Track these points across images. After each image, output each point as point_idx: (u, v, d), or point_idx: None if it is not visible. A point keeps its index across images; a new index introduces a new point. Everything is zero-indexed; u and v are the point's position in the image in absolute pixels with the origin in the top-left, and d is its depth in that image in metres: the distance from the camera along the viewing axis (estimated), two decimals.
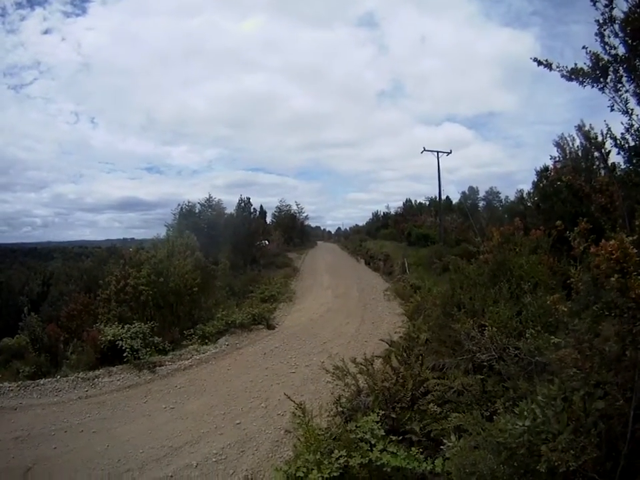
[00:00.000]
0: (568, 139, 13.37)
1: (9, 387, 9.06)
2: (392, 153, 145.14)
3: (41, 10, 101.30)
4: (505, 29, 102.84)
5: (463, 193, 35.67)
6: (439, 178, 28.01)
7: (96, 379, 9.35)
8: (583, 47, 5.10)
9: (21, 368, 10.55)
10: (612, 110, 5.19)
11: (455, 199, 38.56)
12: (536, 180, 14.50)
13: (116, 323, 11.21)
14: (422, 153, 28.10)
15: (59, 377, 9.57)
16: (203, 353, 10.99)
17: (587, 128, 10.33)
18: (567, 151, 13.28)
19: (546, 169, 13.82)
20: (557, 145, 13.61)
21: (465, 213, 29.33)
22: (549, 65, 5.17)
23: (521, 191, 21.04)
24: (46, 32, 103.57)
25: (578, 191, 7.85)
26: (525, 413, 2.47)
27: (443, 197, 31.04)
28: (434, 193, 32.89)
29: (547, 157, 14.10)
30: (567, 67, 5.13)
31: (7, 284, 25.20)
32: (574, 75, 5.12)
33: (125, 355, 9.89)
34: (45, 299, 22.43)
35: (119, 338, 10.25)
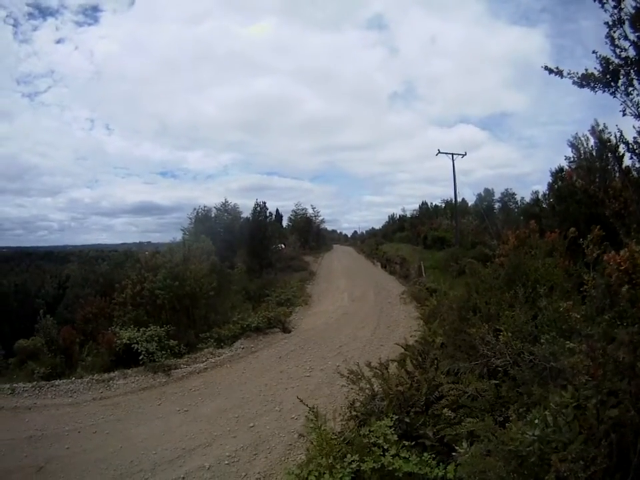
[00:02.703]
0: (582, 139, 13.22)
1: (24, 387, 9.26)
2: (406, 156, 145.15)
3: (53, 20, 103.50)
4: (514, 28, 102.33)
5: (479, 195, 35.31)
6: (454, 180, 27.85)
7: (111, 381, 9.50)
8: (593, 52, 5.06)
9: (36, 369, 10.74)
10: (624, 114, 5.13)
11: (471, 201, 38.32)
12: (551, 181, 14.41)
13: (131, 326, 11.35)
14: (437, 155, 28.01)
15: (73, 378, 9.76)
16: (218, 356, 11.06)
17: (600, 128, 10.25)
18: (582, 151, 13.12)
19: (561, 169, 13.71)
20: (572, 145, 13.45)
21: (481, 215, 29.13)
22: (559, 73, 5.13)
23: (536, 193, 20.89)
24: (59, 41, 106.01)
25: (592, 196, 7.76)
26: (536, 421, 2.44)
27: (459, 199, 30.84)
28: (449, 195, 32.75)
29: (561, 157, 13.96)
30: (577, 73, 5.08)
31: (23, 286, 25.59)
32: (585, 81, 5.07)
33: (140, 357, 10.01)
34: (61, 301, 22.75)
35: (135, 341, 10.38)
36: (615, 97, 5.10)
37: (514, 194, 32.52)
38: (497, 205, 33.31)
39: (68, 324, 14.81)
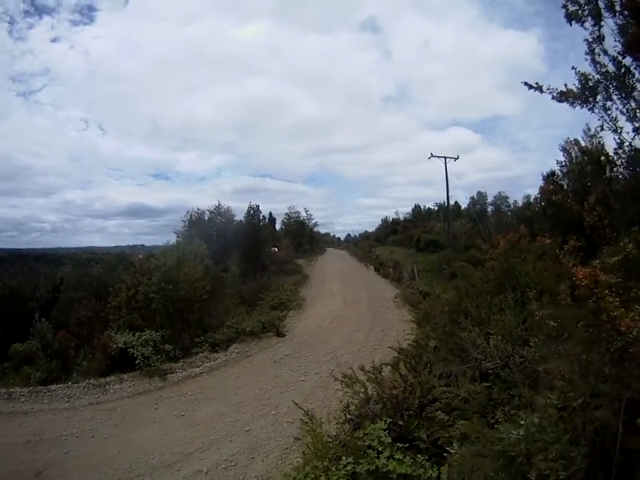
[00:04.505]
0: (573, 142, 13.42)
1: (21, 391, 9.32)
2: (399, 158, 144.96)
3: (49, 19, 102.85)
4: (507, 31, 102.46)
5: (472, 198, 35.59)
6: (446, 183, 27.96)
7: (107, 386, 9.56)
8: (572, 68, 5.21)
9: (31, 373, 10.79)
10: (602, 129, 5.31)
11: (464, 204, 38.53)
12: (542, 185, 14.58)
13: (127, 330, 11.38)
14: (429, 158, 28.07)
15: (70, 382, 9.82)
16: (213, 361, 11.13)
17: (592, 133, 10.41)
18: (573, 155, 13.31)
19: (552, 173, 13.90)
20: (563, 149, 13.65)
21: (474, 218, 29.28)
22: (539, 88, 5.28)
23: (528, 197, 21.09)
24: (54, 40, 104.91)
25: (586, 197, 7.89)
26: (522, 422, 2.56)
27: (452, 202, 31.04)
28: (442, 198, 32.76)
29: (553, 161, 14.15)
30: (556, 89, 5.23)
31: (18, 289, 25.35)
32: (564, 97, 5.21)
33: (136, 362, 10.05)
34: (55, 305, 22.54)
35: (130, 345, 10.43)
36: (592, 112, 5.26)
37: (507, 197, 32.85)
38: (489, 208, 33.55)
39: (62, 328, 14.80)
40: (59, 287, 25.44)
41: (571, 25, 5.18)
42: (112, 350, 10.59)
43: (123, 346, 10.49)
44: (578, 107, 5.23)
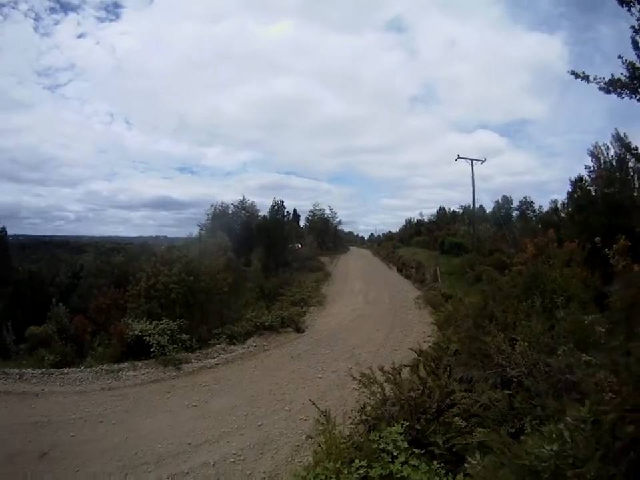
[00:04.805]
0: (602, 148, 13.09)
1: (33, 373, 9.38)
2: (425, 160, 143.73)
3: (74, 15, 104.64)
4: (533, 33, 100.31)
5: (497, 202, 34.88)
6: (472, 186, 27.62)
7: (120, 372, 9.56)
8: (619, 57, 4.90)
9: (45, 356, 10.88)
10: None
11: (489, 207, 37.81)
12: (570, 190, 14.27)
13: (144, 318, 11.39)
14: (456, 160, 27.79)
15: (83, 367, 9.87)
16: (230, 353, 11.08)
17: (622, 137, 10.07)
18: (602, 161, 12.99)
19: (580, 179, 13.57)
20: (592, 154, 13.33)
21: (499, 222, 28.84)
22: (586, 77, 5.01)
23: (555, 202, 20.67)
24: (80, 36, 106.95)
25: (614, 204, 7.62)
26: (554, 436, 2.37)
27: (477, 206, 30.58)
28: (467, 200, 32.47)
29: (580, 166, 13.86)
30: (604, 79, 4.95)
31: (38, 274, 25.78)
32: (612, 86, 4.93)
33: (151, 350, 10.06)
34: (75, 291, 22.86)
35: (147, 333, 10.43)
36: None
37: (532, 202, 32.09)
38: (514, 213, 32.90)
39: (80, 313, 14.99)
40: (79, 274, 25.78)
41: (622, 6, 4.89)
42: (128, 337, 10.61)
43: (139, 333, 10.48)
44: (626, 98, 4.95)
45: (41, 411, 7.80)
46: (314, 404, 5.04)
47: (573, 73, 5.09)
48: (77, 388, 8.92)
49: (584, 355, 3.76)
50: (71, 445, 6.59)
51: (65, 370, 9.64)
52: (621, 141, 12.01)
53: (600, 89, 4.98)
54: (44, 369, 9.65)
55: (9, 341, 14.31)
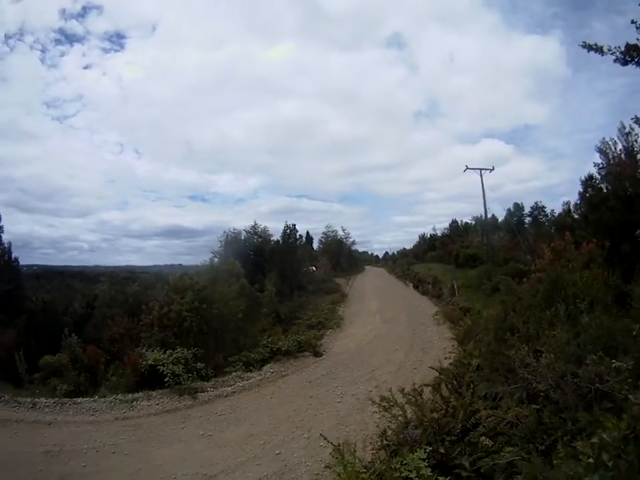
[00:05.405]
0: (610, 143, 12.88)
1: (46, 402, 9.30)
2: (433, 174, 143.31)
3: (79, 46, 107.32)
4: (529, 37, 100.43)
5: (508, 210, 34.60)
6: (483, 196, 27.36)
7: (134, 402, 9.44)
8: (632, 22, 4.61)
9: (59, 385, 10.87)
10: None
11: (501, 216, 37.53)
12: (582, 190, 14.08)
13: (158, 347, 11.26)
14: (465, 171, 27.59)
15: (96, 396, 9.77)
16: (246, 380, 10.90)
17: (627, 131, 9.85)
18: (610, 156, 12.77)
19: (591, 177, 13.40)
20: (600, 150, 13.14)
21: (512, 230, 28.56)
22: (600, 49, 4.73)
23: (567, 203, 20.42)
24: (86, 67, 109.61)
25: (626, 199, 7.38)
26: (590, 460, 2.09)
27: (489, 215, 30.29)
28: (478, 211, 32.24)
29: (588, 166, 13.71)
30: (619, 48, 4.67)
31: (52, 304, 25.86)
32: (629, 55, 4.64)
33: (166, 379, 9.91)
34: (89, 320, 22.95)
35: (161, 363, 10.30)
36: None
37: (544, 207, 31.78)
38: (527, 220, 32.61)
39: (94, 343, 14.97)
40: (93, 304, 25.90)
41: None
42: (141, 367, 10.50)
43: (153, 363, 10.36)
44: (626, 84, 4.69)
45: (52, 440, 7.68)
46: (325, 439, 4.86)
47: (584, 45, 4.83)
48: (90, 418, 8.81)
49: (613, 360, 3.54)
50: (82, 475, 6.46)
51: (78, 399, 9.56)
52: (628, 139, 11.80)
53: (615, 60, 4.71)
54: (57, 398, 9.60)
55: (21, 370, 14.31)
